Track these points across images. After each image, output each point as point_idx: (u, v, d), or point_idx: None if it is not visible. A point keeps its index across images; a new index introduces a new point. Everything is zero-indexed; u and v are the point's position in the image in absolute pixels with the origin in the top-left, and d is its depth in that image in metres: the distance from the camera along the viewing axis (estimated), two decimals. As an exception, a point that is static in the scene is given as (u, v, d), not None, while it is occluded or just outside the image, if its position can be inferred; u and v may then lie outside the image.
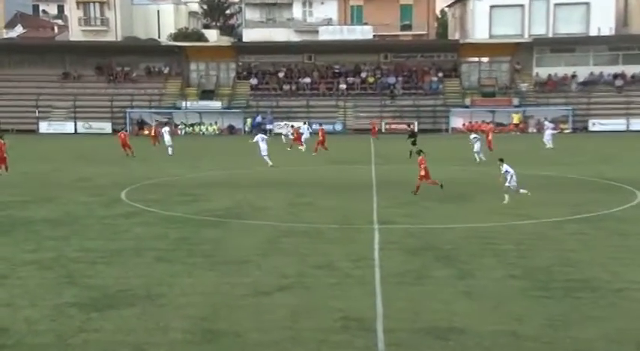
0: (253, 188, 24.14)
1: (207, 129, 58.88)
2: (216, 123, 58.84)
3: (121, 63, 63.88)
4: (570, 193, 22.33)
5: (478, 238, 15.51)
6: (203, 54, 63.90)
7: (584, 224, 17.05)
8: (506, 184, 19.82)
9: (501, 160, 20.35)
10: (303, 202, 21.14)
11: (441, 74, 62.92)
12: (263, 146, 30.90)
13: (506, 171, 19.88)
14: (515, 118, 57.41)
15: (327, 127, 56.82)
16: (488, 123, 57.69)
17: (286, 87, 62.00)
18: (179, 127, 58.34)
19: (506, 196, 20.02)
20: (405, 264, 13.50)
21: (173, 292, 11.79)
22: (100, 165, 32.43)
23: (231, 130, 58.20)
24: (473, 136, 33.89)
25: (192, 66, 65.21)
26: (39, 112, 57.82)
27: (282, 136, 48.01)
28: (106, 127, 57.32)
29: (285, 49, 63.61)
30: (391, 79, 62.32)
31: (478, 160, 31.79)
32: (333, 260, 13.79)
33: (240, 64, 64.94)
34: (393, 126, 57.41)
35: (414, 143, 24.75)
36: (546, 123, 48.82)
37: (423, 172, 21.37)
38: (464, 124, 58.09)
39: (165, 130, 40.26)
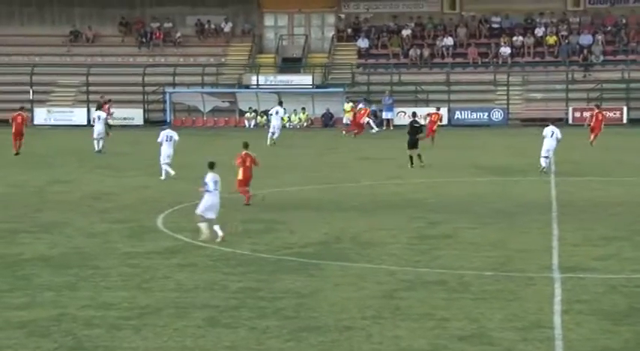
0: (361, 213, 24.48)
1: (289, 119, 59.83)
2: (303, 109, 59.70)
3: (158, 16, 66.22)
4: None
5: None
6: (285, 1, 65.20)
7: None
8: None
9: None
10: (439, 234, 21.29)
11: (668, 29, 61.16)
12: (167, 151, 31.58)
13: None
14: None
15: (480, 117, 56.75)
16: None
17: (414, 52, 62.22)
18: (246, 115, 59.63)
19: None
20: (605, 337, 13.28)
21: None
22: (125, 174, 33.59)
23: (327, 119, 58.82)
24: None
25: (268, 20, 66.71)
26: (34, 92, 59.89)
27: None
28: (136, 115, 59.30)
29: (414, -9, 64.20)
30: (585, 39, 61.19)
31: None
32: (486, 328, 13.76)
33: (343, 16, 65.84)
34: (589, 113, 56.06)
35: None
36: None
37: None
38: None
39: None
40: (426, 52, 61.79)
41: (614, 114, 55.72)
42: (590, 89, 57.79)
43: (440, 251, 19.26)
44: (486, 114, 57.44)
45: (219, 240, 20.27)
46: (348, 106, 56.51)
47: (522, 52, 61.29)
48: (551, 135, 33.37)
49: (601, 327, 13.67)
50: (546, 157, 33.07)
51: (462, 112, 57.54)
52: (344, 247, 19.95)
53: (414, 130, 34.73)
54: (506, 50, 60.81)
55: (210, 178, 20.75)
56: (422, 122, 39.20)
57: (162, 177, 31.30)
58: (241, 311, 14.83)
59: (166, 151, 31.81)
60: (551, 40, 61.19)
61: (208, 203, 20.57)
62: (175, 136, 32.28)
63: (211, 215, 20.53)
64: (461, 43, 62.26)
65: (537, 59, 61.09)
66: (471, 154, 39.61)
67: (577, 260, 18.13)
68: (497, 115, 57.00)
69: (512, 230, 21.55)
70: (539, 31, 61.95)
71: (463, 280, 16.67)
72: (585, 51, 60.31)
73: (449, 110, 56.70)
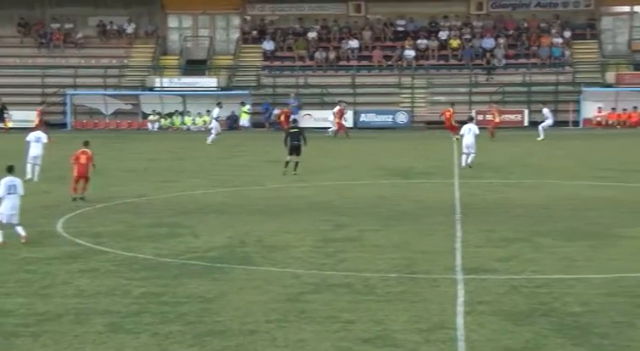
0: (266, 216, 24.48)
1: (194, 122, 59.56)
2: (208, 112, 59.40)
3: (58, 17, 65.17)
4: None
5: (628, 297, 15.42)
6: (190, 2, 64.83)
7: None
8: None
9: None
10: (344, 236, 21.38)
11: (567, 34, 62.70)
12: (35, 152, 31.82)
13: None
14: None
15: (385, 119, 57.40)
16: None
17: (320, 55, 62.51)
18: (150, 118, 59.13)
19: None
20: (506, 337, 13.49)
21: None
22: (24, 178, 32.91)
23: (233, 122, 58.72)
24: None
25: (172, 22, 66.25)
26: None
27: (329, 131, 51.14)
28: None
29: (319, -7, 64.48)
30: (488, 43, 62.34)
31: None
32: (390, 330, 13.84)
33: (248, 18, 65.76)
34: (490, 116, 57.13)
35: None
36: None
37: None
38: (600, 112, 57.75)
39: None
40: (332, 55, 62.15)
41: (516, 117, 56.95)
42: (492, 92, 58.88)
43: (345, 254, 19.37)
44: (391, 117, 58.09)
45: (23, 241, 20.18)
46: (245, 108, 56.92)
47: (427, 55, 62.10)
48: (468, 132, 35.04)
49: (502, 327, 13.92)
50: (467, 154, 34.65)
51: (367, 115, 58.08)
52: (249, 250, 19.91)
53: (294, 135, 33.91)
54: (410, 53, 61.53)
55: (4, 182, 20.46)
56: (302, 126, 39.36)
57: (28, 177, 30.83)
58: (143, 317, 14.69)
59: (34, 151, 31.76)
60: (455, 43, 62.14)
61: (4, 208, 20.25)
62: (44, 138, 32.25)
63: (9, 219, 20.27)
64: (366, 46, 62.79)
65: (441, 62, 61.98)
66: (376, 157, 40.00)
67: (479, 261, 18.43)
68: (401, 118, 57.67)
69: (417, 232, 21.79)
70: (443, 35, 62.85)
71: (368, 282, 16.79)
72: (488, 54, 61.44)
73: (354, 113, 57.22)
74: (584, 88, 58.13)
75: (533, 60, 61.14)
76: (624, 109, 57.53)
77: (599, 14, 63.67)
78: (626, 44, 63.20)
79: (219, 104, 50.96)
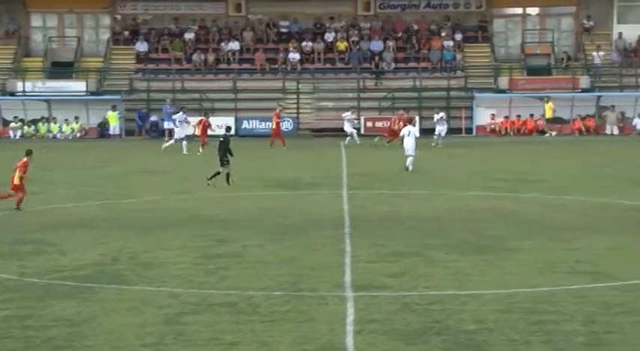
0: (142, 231, 24.25)
1: (60, 129, 58.63)
2: (77, 119, 58.65)
3: None
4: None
5: (523, 313, 15.78)
6: (54, 0, 63.81)
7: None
8: None
9: None
10: (227, 252, 21.33)
11: (459, 36, 63.96)
12: None
13: None
14: (548, 109, 58.42)
15: (268, 126, 57.48)
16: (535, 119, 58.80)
17: (198, 57, 62.25)
18: (11, 125, 57.97)
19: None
20: (399, 358, 13.66)
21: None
22: None
23: (103, 130, 58.05)
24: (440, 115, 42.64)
25: (35, 21, 65.07)
26: None
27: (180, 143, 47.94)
28: None
29: (197, -8, 64.24)
30: (376, 45, 63.08)
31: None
32: (275, 353, 13.95)
33: (119, 17, 65.06)
34: (381, 123, 57.96)
35: None
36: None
37: None
38: (493, 119, 59.08)
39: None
40: (211, 57, 61.99)
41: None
42: (381, 98, 59.60)
43: (228, 271, 19.34)
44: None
45: None
46: (113, 114, 56.38)
47: (312, 58, 62.50)
48: (408, 134, 37.24)
49: (394, 347, 14.07)
50: (411, 156, 36.85)
51: (250, 122, 58.11)
52: (122, 268, 19.69)
53: (220, 145, 33.78)
54: (295, 56, 61.84)
55: None
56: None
57: None
58: (6, 342, 14.38)
59: None
60: (342, 45, 62.72)
61: None
62: None
63: None
64: (247, 48, 62.85)
65: (328, 66, 62.48)
66: (260, 167, 40.05)
67: (370, 278, 18.60)
68: (286, 125, 57.78)
69: (304, 247, 21.86)
70: (329, 37, 63.37)
71: (252, 301, 16.79)
72: (376, 58, 62.17)
73: (236, 120, 57.18)
74: (476, 94, 59.41)
75: (423, 64, 62.15)
76: (518, 116, 58.99)
77: (491, 16, 65.18)
78: (518, 48, 64.83)
79: (182, 109, 49.83)
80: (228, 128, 38.97)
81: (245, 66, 62.33)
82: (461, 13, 65.08)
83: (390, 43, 62.78)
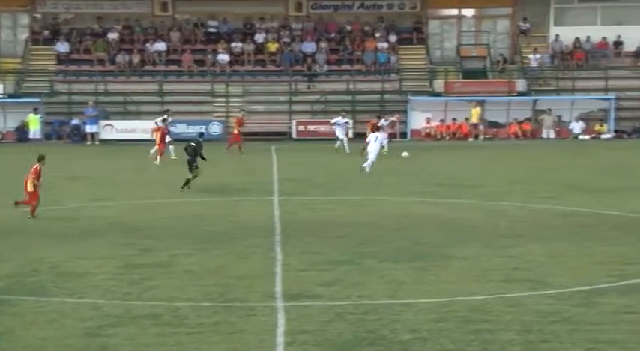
0: (62, 239, 24.03)
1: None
2: (-6, 122, 57.91)
3: None
4: (613, 242, 23.39)
5: (458, 322, 15.90)
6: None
7: (636, 296, 17.75)
8: None
9: None
10: (152, 262, 21.23)
11: (393, 38, 64.36)
12: None
13: None
14: (474, 114, 59.01)
15: (197, 131, 57.23)
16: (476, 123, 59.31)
17: (122, 58, 61.80)
18: None
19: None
20: (332, 370, 13.74)
21: None
22: None
23: (21, 134, 57.33)
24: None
25: (-51, 19, 64.09)
26: None
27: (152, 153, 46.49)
28: None
29: (121, -10, 63.84)
30: (308, 47, 63.20)
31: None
32: (203, 366, 13.91)
33: (39, 17, 64.36)
34: (314, 127, 58.14)
35: None
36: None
37: None
38: (429, 123, 59.51)
39: None
40: (136, 59, 61.59)
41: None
42: (314, 101, 59.70)
43: (153, 281, 19.21)
44: (203, 128, 57.90)
45: None
46: (34, 117, 55.72)
47: (242, 60, 62.40)
48: (375, 140, 39.48)
49: (327, 358, 14.14)
50: (371, 161, 38.75)
51: (177, 126, 57.70)
52: (41, 279, 19.44)
53: (192, 150, 33.95)
54: (224, 57, 61.70)
55: None
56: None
57: None
58: None
59: None
60: (273, 47, 62.73)
61: None
62: None
63: None
64: (174, 49, 62.57)
65: (258, 68, 62.46)
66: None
67: (302, 287, 18.62)
68: (215, 129, 57.64)
69: (233, 256, 21.82)
70: (259, 38, 63.33)
71: (178, 312, 16.70)
72: (309, 60, 62.26)
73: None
74: (411, 97, 59.76)
75: (357, 66, 62.40)
76: (454, 120, 59.48)
77: (426, 17, 65.70)
78: (454, 50, 65.44)
79: (167, 111, 48.66)
80: (201, 134, 38.70)
81: (172, 68, 62.02)
82: (395, 14, 65.48)
83: (323, 45, 62.95)
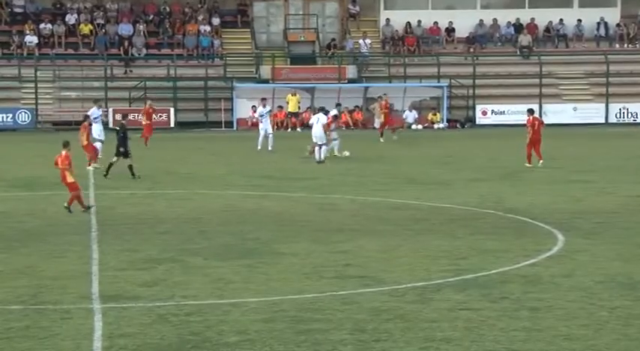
0: None
1: None
2: None
3: None
4: (447, 236, 23.94)
5: (288, 322, 16.05)
6: None
7: (471, 292, 18.21)
8: None
9: None
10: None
11: (216, 21, 64.30)
12: None
13: None
14: (292, 102, 59.34)
15: (4, 119, 55.98)
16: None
17: None
18: None
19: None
20: (154, 376, 13.68)
21: None
22: None
23: None
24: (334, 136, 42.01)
25: None
26: None
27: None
28: None
29: None
30: (125, 29, 62.49)
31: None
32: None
33: None
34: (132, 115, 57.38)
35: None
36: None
37: None
38: (255, 112, 59.45)
39: None
40: None
41: (161, 117, 57.41)
42: (132, 87, 59.09)
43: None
44: (11, 116, 56.68)
45: None
46: None
47: (52, 43, 61.21)
48: (317, 122, 40.01)
49: (151, 363, 14.07)
50: (319, 146, 39.25)
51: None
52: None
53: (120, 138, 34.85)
54: (32, 39, 60.40)
55: None
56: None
57: None
58: None
59: None
60: (86, 29, 61.81)
61: None
62: None
63: None
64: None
65: (70, 51, 61.41)
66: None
67: (120, 287, 18.46)
68: (24, 118, 56.43)
69: (45, 255, 21.46)
70: (70, 19, 62.29)
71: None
72: (126, 43, 61.57)
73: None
74: (236, 84, 59.85)
75: (178, 50, 62.08)
76: (280, 108, 59.58)
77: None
78: (281, 34, 65.79)
79: (96, 101, 45.31)
80: (124, 116, 39.37)
81: (-26, 50, 60.37)
82: (219, -4, 65.42)
83: (141, 27, 62.37)
